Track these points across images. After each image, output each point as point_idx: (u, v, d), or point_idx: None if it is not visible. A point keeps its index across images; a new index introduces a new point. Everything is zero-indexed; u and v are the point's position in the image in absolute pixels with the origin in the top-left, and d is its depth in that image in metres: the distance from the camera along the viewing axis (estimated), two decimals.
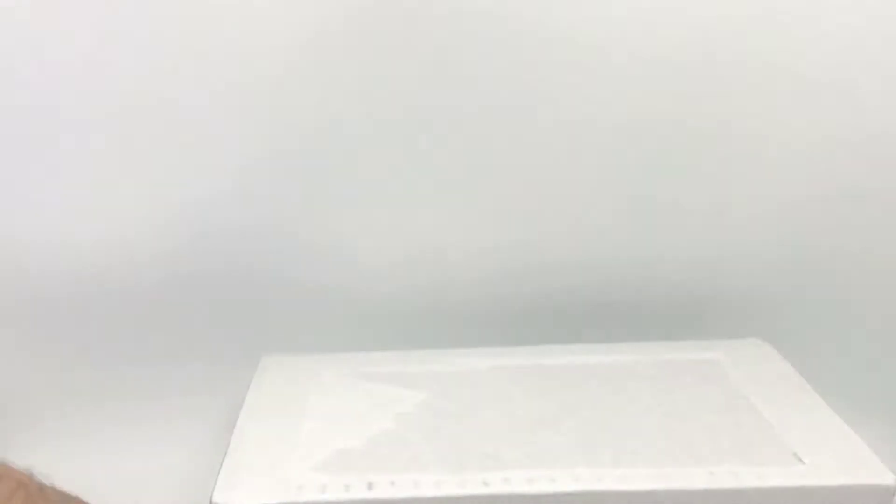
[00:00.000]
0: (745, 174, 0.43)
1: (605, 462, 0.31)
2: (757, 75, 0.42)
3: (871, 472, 0.31)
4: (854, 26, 0.41)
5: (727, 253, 0.45)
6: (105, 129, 0.41)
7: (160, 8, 0.39)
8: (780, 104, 0.42)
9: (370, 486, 0.29)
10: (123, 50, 0.39)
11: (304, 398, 0.36)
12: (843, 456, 0.32)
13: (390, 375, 0.38)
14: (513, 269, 0.44)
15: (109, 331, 0.43)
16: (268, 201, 0.43)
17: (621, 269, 0.45)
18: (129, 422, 0.44)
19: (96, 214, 0.42)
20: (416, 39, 0.40)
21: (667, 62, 0.41)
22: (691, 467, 0.31)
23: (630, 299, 0.45)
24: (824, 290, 0.46)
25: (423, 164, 0.43)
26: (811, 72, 0.42)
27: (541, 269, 0.44)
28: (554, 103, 0.42)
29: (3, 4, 0.38)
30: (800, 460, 0.31)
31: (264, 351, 0.40)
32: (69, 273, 0.42)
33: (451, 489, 0.29)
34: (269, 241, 0.44)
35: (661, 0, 0.40)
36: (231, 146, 0.42)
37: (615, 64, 0.41)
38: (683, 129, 0.43)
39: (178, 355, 0.44)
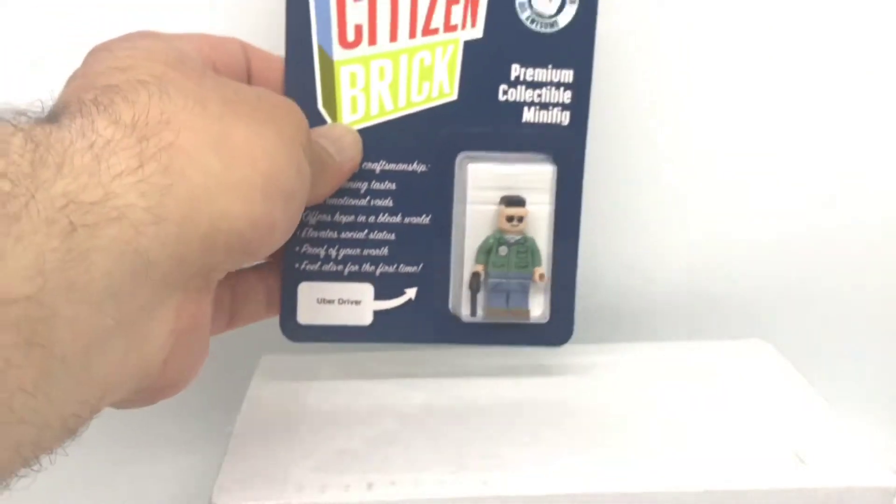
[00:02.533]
0: (745, 174, 0.44)
1: (605, 462, 0.31)
2: (757, 76, 0.42)
3: (871, 472, 0.31)
4: (854, 28, 0.41)
5: (728, 253, 0.45)
6: None
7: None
8: (781, 105, 0.42)
9: (370, 486, 0.29)
10: None
11: (304, 398, 0.36)
12: (843, 456, 0.32)
13: (390, 375, 0.38)
14: None
15: None
16: None
17: (621, 269, 0.45)
18: (129, 421, 0.44)
19: None
20: None
21: (666, 61, 0.41)
22: (691, 468, 0.31)
23: (630, 299, 0.45)
24: (824, 290, 0.46)
25: None
26: (811, 72, 0.42)
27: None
28: None
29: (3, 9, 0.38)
30: (801, 461, 0.31)
31: (264, 351, 0.40)
32: None
33: (451, 489, 0.29)
34: None
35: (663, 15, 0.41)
36: None
37: (620, 64, 0.41)
38: (683, 129, 0.43)
39: None
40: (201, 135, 0.23)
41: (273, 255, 0.33)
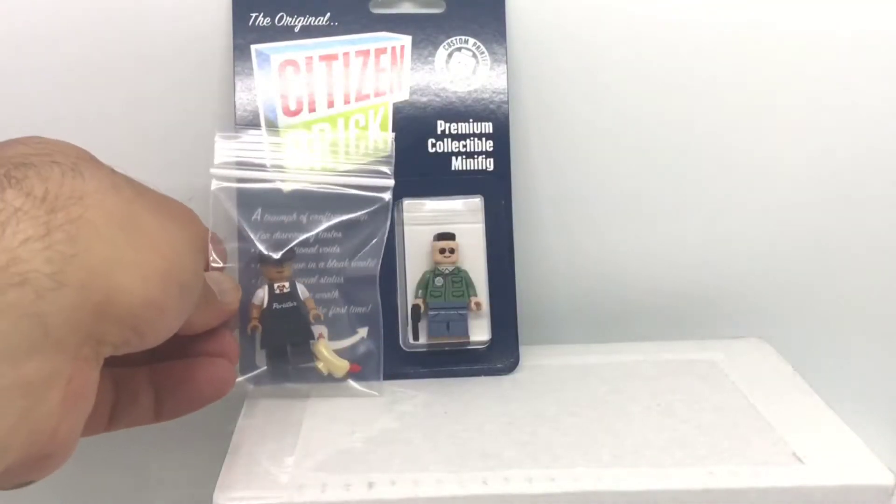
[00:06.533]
0: (745, 174, 0.44)
1: (605, 462, 0.31)
2: (758, 79, 0.42)
3: (869, 471, 0.31)
4: (851, 31, 0.41)
5: (727, 253, 0.45)
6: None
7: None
8: (781, 106, 0.43)
9: (370, 485, 0.30)
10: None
11: (305, 398, 0.36)
12: (841, 455, 0.32)
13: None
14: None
15: None
16: None
17: (621, 269, 0.45)
18: None
19: None
20: None
21: (670, 67, 0.42)
22: (690, 467, 0.31)
23: (630, 299, 0.45)
24: (824, 290, 0.46)
25: None
26: (811, 75, 0.42)
27: (540, 270, 0.44)
28: (554, 106, 0.42)
29: None
30: (799, 460, 0.31)
31: None
32: None
33: (451, 489, 0.30)
34: None
35: (664, 15, 0.41)
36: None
37: (619, 70, 0.41)
38: (684, 130, 0.43)
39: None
40: (111, 214, 0.24)
41: (166, 358, 0.32)
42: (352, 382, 0.36)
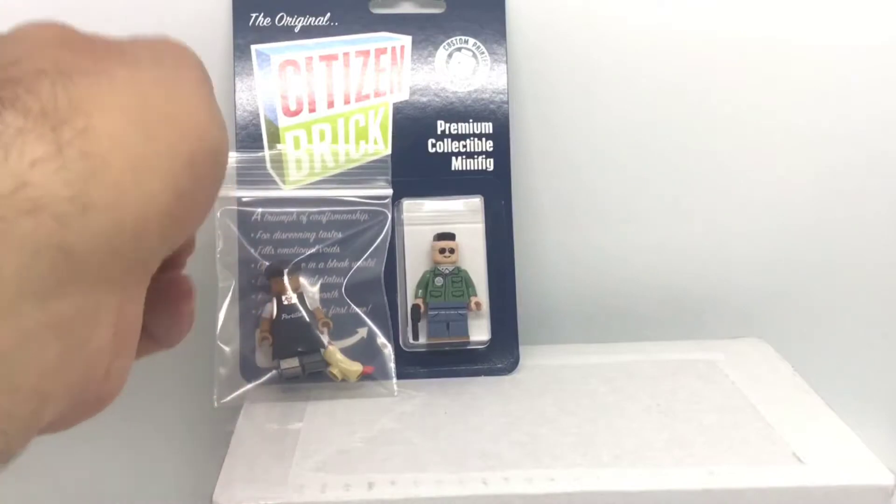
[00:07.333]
0: (745, 174, 0.44)
1: (605, 462, 0.31)
2: (757, 80, 0.42)
3: (869, 471, 0.31)
4: (850, 38, 0.41)
5: (727, 253, 0.45)
6: None
7: None
8: (781, 106, 0.43)
9: (370, 485, 0.30)
10: None
11: (305, 398, 0.36)
12: (841, 455, 0.32)
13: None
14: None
15: None
16: None
17: (621, 269, 0.45)
18: (130, 422, 0.44)
19: None
20: None
21: (669, 69, 0.42)
22: (690, 467, 0.31)
23: (630, 299, 0.45)
24: (824, 290, 0.46)
25: None
26: (810, 76, 0.42)
27: (540, 270, 0.44)
28: (553, 107, 0.42)
29: None
30: (799, 460, 0.31)
31: None
32: None
33: (451, 489, 0.29)
34: None
35: (664, 17, 0.41)
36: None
37: (619, 71, 0.41)
38: (683, 130, 0.43)
39: (179, 353, 0.44)
40: (116, 111, 0.21)
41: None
42: (372, 383, 0.36)
